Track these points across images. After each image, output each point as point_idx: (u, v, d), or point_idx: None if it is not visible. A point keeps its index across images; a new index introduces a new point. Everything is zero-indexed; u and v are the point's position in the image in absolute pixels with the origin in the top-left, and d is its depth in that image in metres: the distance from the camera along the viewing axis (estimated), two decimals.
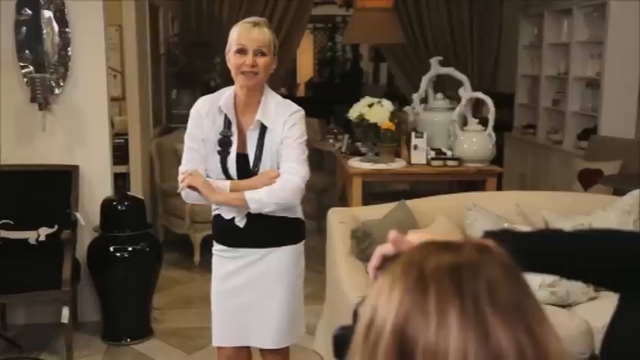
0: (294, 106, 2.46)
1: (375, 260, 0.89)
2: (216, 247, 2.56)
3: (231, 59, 2.36)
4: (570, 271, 1.10)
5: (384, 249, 0.88)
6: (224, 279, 2.53)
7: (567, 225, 3.30)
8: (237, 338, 2.57)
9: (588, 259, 1.06)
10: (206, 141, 2.43)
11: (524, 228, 3.12)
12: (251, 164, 2.41)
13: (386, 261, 0.87)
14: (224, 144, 2.42)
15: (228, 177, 2.42)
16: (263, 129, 2.41)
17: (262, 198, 2.35)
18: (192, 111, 2.46)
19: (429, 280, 0.67)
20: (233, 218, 2.47)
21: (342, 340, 0.80)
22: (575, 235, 1.12)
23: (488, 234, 1.02)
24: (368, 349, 0.68)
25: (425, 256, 0.70)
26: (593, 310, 3.06)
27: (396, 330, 0.66)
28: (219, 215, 2.52)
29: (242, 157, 2.41)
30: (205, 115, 2.44)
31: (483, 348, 0.64)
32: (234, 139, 2.42)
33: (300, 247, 2.58)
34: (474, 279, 0.67)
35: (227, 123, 2.43)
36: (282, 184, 2.37)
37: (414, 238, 0.86)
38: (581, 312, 3.11)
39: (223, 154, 2.41)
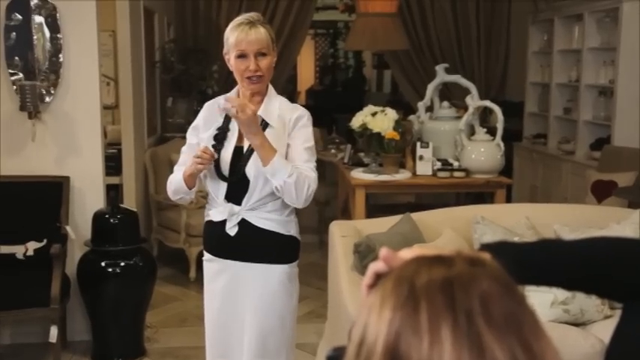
0: (300, 108, 2.52)
1: (367, 278, 0.88)
2: (205, 257, 2.55)
3: (233, 64, 2.41)
4: (570, 282, 1.10)
5: (377, 267, 0.87)
6: (212, 294, 2.52)
7: None
8: (224, 356, 2.54)
9: (587, 271, 1.05)
10: (202, 141, 2.47)
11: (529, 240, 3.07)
12: (244, 153, 2.41)
13: (379, 279, 0.85)
14: (219, 139, 2.44)
15: (218, 171, 2.42)
16: (264, 126, 2.42)
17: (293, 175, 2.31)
18: (195, 121, 2.55)
19: (420, 296, 0.67)
20: (224, 224, 2.43)
21: None
22: (574, 246, 1.11)
23: (485, 247, 1.03)
24: None
25: (416, 271, 0.70)
26: (609, 329, 2.89)
27: (387, 348, 0.66)
28: (210, 221, 2.50)
29: (238, 149, 2.43)
30: (203, 124, 2.50)
31: None
32: (234, 134, 2.44)
33: (291, 268, 2.50)
34: (466, 293, 0.67)
35: (227, 120, 2.45)
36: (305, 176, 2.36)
37: (406, 254, 0.85)
38: (596, 331, 3.04)
39: (217, 147, 2.43)
